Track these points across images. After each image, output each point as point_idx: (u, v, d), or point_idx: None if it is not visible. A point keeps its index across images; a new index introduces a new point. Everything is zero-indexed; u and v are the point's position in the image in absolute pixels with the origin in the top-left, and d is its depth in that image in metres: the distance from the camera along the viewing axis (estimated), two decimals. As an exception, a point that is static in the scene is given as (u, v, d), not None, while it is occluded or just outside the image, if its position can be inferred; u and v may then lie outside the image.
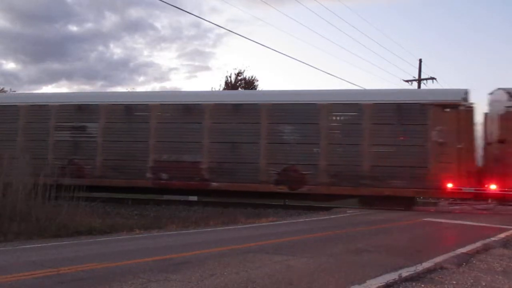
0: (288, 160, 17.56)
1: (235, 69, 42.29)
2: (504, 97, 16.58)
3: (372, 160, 16.82)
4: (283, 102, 18.01)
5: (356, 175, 16.85)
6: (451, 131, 16.24)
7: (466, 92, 16.84)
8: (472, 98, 16.83)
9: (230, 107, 18.32)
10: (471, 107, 16.55)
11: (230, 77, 36.83)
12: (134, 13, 73.63)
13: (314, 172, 17.20)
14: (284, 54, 62.02)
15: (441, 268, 5.71)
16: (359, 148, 16.98)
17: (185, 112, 18.53)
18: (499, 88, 16.93)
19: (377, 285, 4.68)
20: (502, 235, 9.40)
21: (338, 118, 17.62)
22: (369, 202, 17.01)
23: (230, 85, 36.07)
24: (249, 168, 17.71)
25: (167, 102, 18.99)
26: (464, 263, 6.20)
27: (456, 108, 16.39)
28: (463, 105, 16.41)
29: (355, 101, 17.49)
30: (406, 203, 16.90)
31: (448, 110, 16.39)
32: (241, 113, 18.14)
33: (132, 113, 18.93)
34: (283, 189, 17.54)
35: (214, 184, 17.94)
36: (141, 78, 76.81)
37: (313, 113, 17.52)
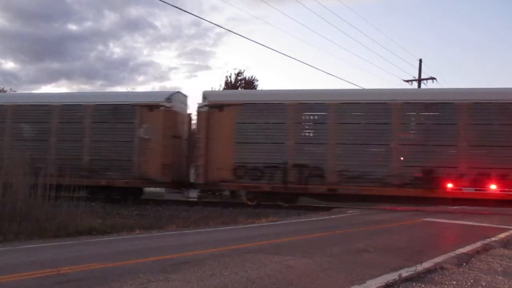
0: (25, 155, 19.61)
1: (235, 69, 42.33)
2: (202, 99, 18.96)
3: (91, 155, 19.09)
4: (24, 103, 20.36)
5: (79, 167, 18.79)
6: (154, 128, 18.53)
7: (171, 94, 19.26)
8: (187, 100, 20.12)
9: None
10: (170, 107, 18.80)
11: (230, 77, 36.85)
12: (134, 11, 73.73)
13: (45, 165, 18.85)
14: (284, 54, 62.03)
15: (441, 268, 5.71)
16: (81, 144, 19.23)
17: None
18: (204, 91, 19.33)
19: (377, 285, 4.68)
20: (502, 235, 9.41)
21: (66, 117, 19.66)
22: (95, 193, 18.45)
23: (230, 85, 36.05)
24: None
25: None
26: (464, 263, 6.20)
27: (158, 109, 18.63)
28: (164, 106, 18.65)
29: (79, 102, 19.81)
30: (121, 193, 19.01)
31: (152, 110, 18.76)
32: None
33: None
34: None
35: None
36: (141, 78, 76.97)
37: (47, 114, 19.65)
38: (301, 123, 17.55)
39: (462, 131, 16.15)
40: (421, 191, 16.32)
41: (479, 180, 15.87)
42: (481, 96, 16.57)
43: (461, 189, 16.00)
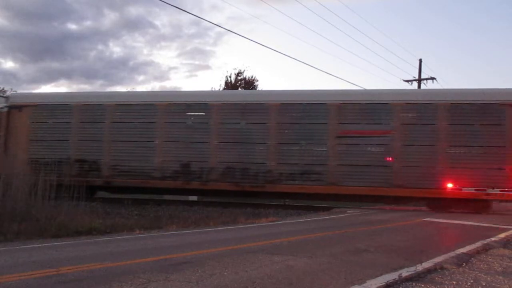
0: None
1: (235, 69, 42.35)
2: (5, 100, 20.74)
3: None
4: None
5: None
6: None
7: None
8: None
9: None
10: None
11: (230, 77, 36.85)
12: (134, 11, 73.67)
13: None
14: (284, 54, 62.02)
15: (441, 268, 5.71)
16: None
17: None
18: (9, 93, 21.68)
19: (377, 285, 4.68)
20: (502, 235, 9.41)
21: None
22: None
23: (230, 85, 36.05)
24: None
25: None
26: (464, 263, 6.20)
27: None
28: None
29: None
30: None
31: None
32: None
33: None
34: None
35: None
36: (141, 77, 76.88)
37: None
38: (84, 122, 19.34)
39: (214, 129, 18.22)
40: (180, 183, 18.23)
41: (228, 173, 17.97)
42: (227, 98, 19.13)
43: (213, 182, 17.95)
